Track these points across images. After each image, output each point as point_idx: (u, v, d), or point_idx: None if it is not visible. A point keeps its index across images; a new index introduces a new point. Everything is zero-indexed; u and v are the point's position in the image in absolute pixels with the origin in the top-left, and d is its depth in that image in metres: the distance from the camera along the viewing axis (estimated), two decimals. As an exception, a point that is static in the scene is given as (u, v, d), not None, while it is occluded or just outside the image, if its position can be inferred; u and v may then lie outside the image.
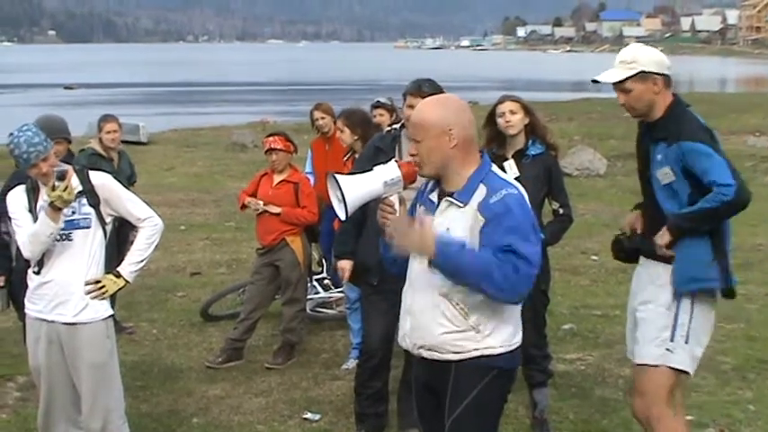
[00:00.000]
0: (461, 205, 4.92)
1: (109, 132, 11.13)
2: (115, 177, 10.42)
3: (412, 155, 5.03)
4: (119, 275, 6.73)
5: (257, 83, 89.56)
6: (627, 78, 6.11)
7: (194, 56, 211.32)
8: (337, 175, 5.06)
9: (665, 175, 6.08)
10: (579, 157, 24.10)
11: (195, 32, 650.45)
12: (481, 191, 4.89)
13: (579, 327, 10.85)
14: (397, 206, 5.09)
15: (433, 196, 5.08)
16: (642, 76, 6.10)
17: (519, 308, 5.06)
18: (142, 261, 6.89)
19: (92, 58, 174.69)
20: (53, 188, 6.24)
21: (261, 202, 10.12)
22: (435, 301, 4.97)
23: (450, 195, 4.97)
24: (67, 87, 75.29)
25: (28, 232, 6.45)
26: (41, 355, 6.71)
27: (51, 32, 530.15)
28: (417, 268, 5.07)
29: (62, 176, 6.26)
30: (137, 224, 6.90)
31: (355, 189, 4.96)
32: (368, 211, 5.32)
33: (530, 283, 4.86)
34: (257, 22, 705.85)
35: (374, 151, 7.34)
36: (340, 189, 4.92)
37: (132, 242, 7.04)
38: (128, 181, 11.04)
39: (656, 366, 6.17)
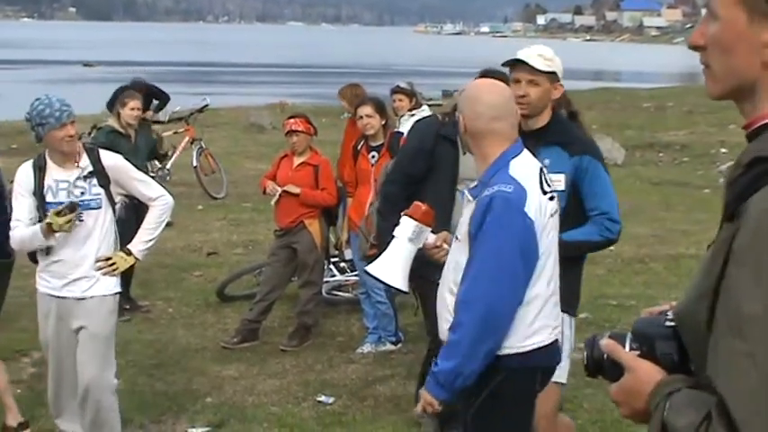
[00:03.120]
0: (471, 200, 4.83)
1: (133, 109, 11.13)
2: (132, 154, 10.50)
3: None
4: (129, 253, 6.80)
5: (276, 64, 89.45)
6: (546, 72, 6.02)
7: (214, 36, 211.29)
8: (370, 270, 5.13)
9: (555, 182, 5.89)
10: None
11: (215, 12, 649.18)
12: (491, 181, 4.77)
13: (595, 316, 10.82)
14: (438, 243, 5.10)
15: (468, 188, 5.02)
16: (554, 77, 6.06)
17: (529, 311, 4.77)
18: (152, 239, 6.96)
19: (111, 36, 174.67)
20: (58, 213, 6.31)
21: (278, 188, 10.11)
22: (444, 295, 4.90)
23: (471, 188, 4.92)
24: (86, 64, 75.28)
25: (21, 233, 6.55)
26: (50, 330, 6.76)
27: (72, 9, 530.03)
28: (448, 258, 5.04)
29: (73, 208, 6.34)
30: (148, 203, 6.94)
31: (392, 269, 5.06)
32: (413, 197, 5.28)
33: (493, 322, 4.69)
34: (277, 3, 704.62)
35: (436, 139, 6.92)
36: (381, 281, 5.01)
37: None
38: (149, 156, 11.16)
39: None
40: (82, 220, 6.55)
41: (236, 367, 9.51)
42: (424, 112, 12.12)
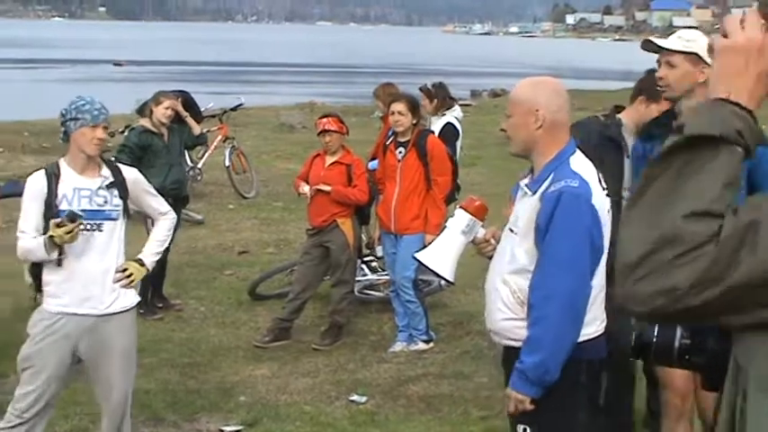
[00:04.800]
0: (530, 193, 4.85)
1: (167, 108, 11.19)
2: (166, 152, 10.60)
3: (502, 129, 5.03)
4: (142, 264, 6.70)
5: (305, 64, 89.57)
6: (679, 52, 5.81)
7: (243, 36, 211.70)
8: (419, 256, 5.22)
9: None
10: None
11: (244, 12, 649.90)
12: (549, 179, 4.80)
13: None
14: (488, 237, 5.11)
15: (524, 182, 5.00)
16: (695, 58, 5.79)
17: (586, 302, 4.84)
18: (161, 252, 6.94)
19: (141, 36, 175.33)
20: (59, 225, 6.22)
21: (306, 188, 10.13)
22: (498, 285, 4.92)
23: (528, 182, 4.93)
24: (116, 64, 75.61)
25: (26, 243, 6.37)
26: (46, 349, 6.44)
27: (102, 9, 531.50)
28: (497, 250, 5.05)
29: (73, 219, 6.23)
30: (158, 218, 6.94)
31: (442, 259, 5.07)
32: None
33: (574, 314, 4.75)
34: (306, 3, 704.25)
35: (601, 143, 6.46)
36: (429, 268, 5.03)
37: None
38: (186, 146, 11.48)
39: None
40: (101, 230, 6.43)
41: (268, 366, 9.52)
42: (456, 111, 12.14)
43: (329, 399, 8.69)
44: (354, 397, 8.68)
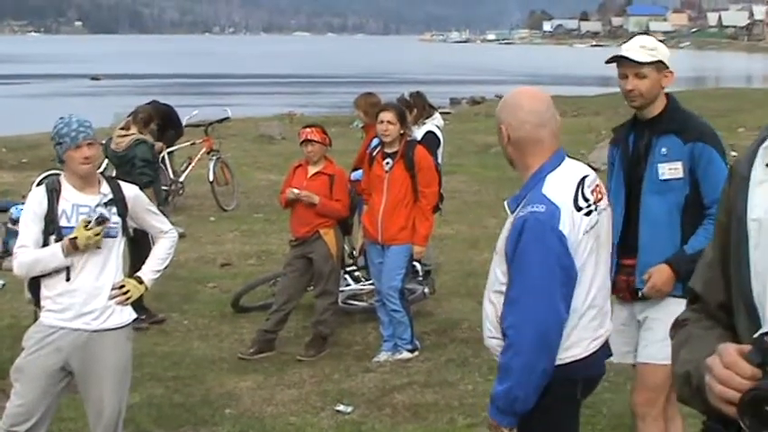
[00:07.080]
0: (509, 213, 4.80)
1: None
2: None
3: None
4: (141, 281, 6.70)
5: (283, 75, 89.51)
6: (649, 63, 6.01)
7: (220, 47, 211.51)
8: None
9: (672, 170, 5.94)
10: (607, 152, 23.94)
11: (221, 24, 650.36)
12: (524, 201, 4.72)
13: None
14: None
15: (508, 199, 4.95)
16: (660, 66, 6.04)
17: (565, 325, 4.71)
18: (161, 270, 6.91)
19: (118, 49, 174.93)
20: (86, 227, 6.20)
21: (296, 190, 10.07)
22: (486, 304, 4.88)
23: (509, 200, 4.87)
24: (94, 78, 75.50)
25: (31, 255, 6.36)
26: (38, 360, 6.45)
27: (78, 23, 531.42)
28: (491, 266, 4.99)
29: (102, 221, 6.23)
30: (158, 236, 6.90)
31: None
32: None
33: (543, 342, 4.64)
34: (283, 13, 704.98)
35: None
36: None
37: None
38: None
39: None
40: (99, 247, 6.41)
41: (253, 378, 9.50)
42: (436, 120, 12.15)
43: (315, 410, 8.67)
44: (340, 407, 8.66)
